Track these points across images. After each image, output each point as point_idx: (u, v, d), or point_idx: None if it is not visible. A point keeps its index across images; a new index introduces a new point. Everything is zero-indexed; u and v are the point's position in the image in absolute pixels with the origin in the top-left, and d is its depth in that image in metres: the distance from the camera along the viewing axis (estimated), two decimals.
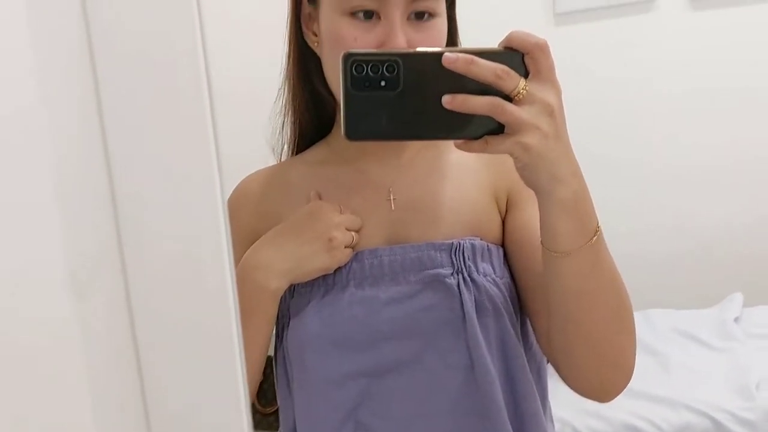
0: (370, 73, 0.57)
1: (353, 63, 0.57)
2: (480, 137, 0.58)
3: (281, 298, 0.78)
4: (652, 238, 2.10)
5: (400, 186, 0.80)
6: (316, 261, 0.75)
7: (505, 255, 0.80)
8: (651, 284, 2.06)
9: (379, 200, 0.80)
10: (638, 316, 1.86)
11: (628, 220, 2.08)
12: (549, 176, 0.59)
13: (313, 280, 0.78)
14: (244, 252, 0.79)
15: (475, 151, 0.59)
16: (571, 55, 2.02)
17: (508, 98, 0.56)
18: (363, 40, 0.71)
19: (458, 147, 0.60)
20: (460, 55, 0.55)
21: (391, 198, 0.80)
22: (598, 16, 2.06)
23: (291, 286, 0.78)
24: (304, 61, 0.81)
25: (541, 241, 0.66)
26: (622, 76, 2.08)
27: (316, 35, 0.78)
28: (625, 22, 2.06)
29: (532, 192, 0.79)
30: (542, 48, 0.57)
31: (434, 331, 0.74)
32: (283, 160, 0.89)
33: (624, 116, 2.09)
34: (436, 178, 0.81)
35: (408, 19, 0.71)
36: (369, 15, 0.71)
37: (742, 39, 2.04)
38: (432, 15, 0.72)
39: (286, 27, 0.82)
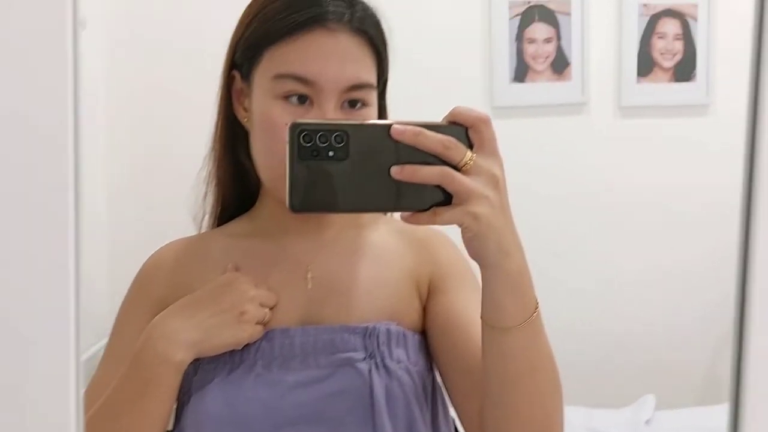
0: (319, 143, 0.56)
1: (301, 132, 0.56)
2: (428, 209, 0.57)
3: (184, 373, 0.74)
4: (571, 340, 2.12)
5: (319, 264, 0.79)
6: (224, 334, 0.72)
7: (427, 341, 0.79)
8: (568, 383, 2.07)
9: (297, 277, 0.78)
10: None
11: (549, 321, 2.11)
12: (497, 247, 0.59)
13: (219, 356, 0.74)
14: (145, 325, 0.75)
15: (423, 223, 0.58)
16: (505, 147, 2.07)
17: (455, 169, 0.57)
18: None
19: (406, 220, 0.58)
20: (408, 126, 0.56)
21: (309, 276, 0.78)
22: (534, 113, 2.14)
23: (195, 361, 0.74)
24: (232, 134, 0.80)
25: (483, 318, 0.64)
26: (552, 170, 2.14)
27: (246, 110, 0.78)
28: (559, 120, 2.15)
29: (457, 276, 0.80)
30: (485, 121, 0.58)
31: (341, 418, 0.72)
32: (203, 230, 0.87)
33: (550, 210, 2.14)
34: (357, 258, 0.80)
35: (341, 107, 0.72)
36: (303, 100, 0.72)
37: (666, 147, 2.14)
38: (364, 104, 0.73)
39: (217, 99, 0.81)
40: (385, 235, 0.83)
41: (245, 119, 0.78)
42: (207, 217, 0.87)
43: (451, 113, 0.59)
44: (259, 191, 0.83)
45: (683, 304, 2.16)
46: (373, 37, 0.75)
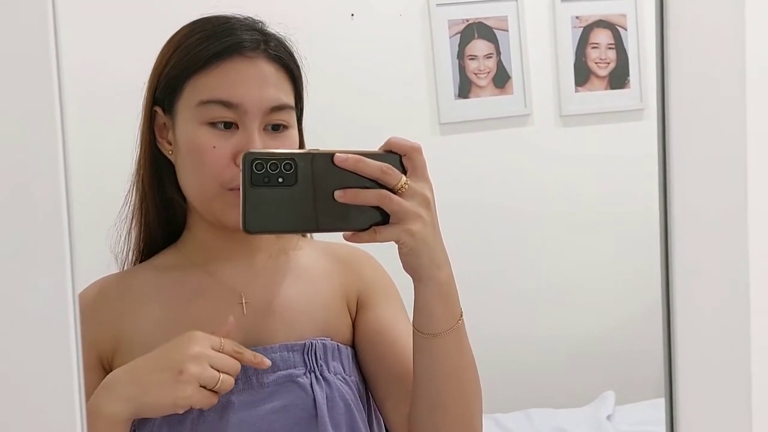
0: (270, 170, 0.62)
1: (253, 161, 0.62)
2: (367, 228, 0.64)
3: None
4: (527, 345, 2.18)
5: (252, 290, 0.81)
6: (161, 392, 0.68)
7: (357, 354, 0.83)
8: (531, 385, 2.13)
9: (230, 304, 0.80)
10: (520, 416, 1.90)
11: (504, 328, 2.17)
12: (429, 261, 0.66)
13: None
14: (86, 371, 0.75)
15: (364, 242, 0.64)
16: (454, 162, 2.14)
17: (391, 192, 0.64)
18: (222, 148, 0.75)
19: (348, 239, 0.65)
20: (350, 155, 0.63)
21: (243, 302, 0.80)
22: (480, 127, 2.20)
23: None
24: (156, 168, 0.82)
25: (415, 326, 0.70)
26: (500, 182, 2.21)
27: (170, 143, 0.80)
28: (504, 133, 2.22)
29: (383, 292, 0.86)
30: (417, 150, 0.66)
31: (288, 431, 0.74)
32: (127, 267, 0.87)
33: (501, 220, 2.21)
34: (288, 281, 0.83)
35: (264, 129, 0.76)
36: (228, 125, 0.76)
37: (606, 152, 2.23)
38: (286, 127, 0.78)
39: (138, 135, 0.83)
40: (312, 256, 0.86)
41: (170, 152, 0.81)
42: (131, 253, 0.86)
43: (386, 143, 0.66)
44: (184, 223, 0.85)
45: (633, 300, 2.24)
46: (288, 63, 0.80)
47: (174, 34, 0.81)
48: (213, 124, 0.75)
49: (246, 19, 0.80)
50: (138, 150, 0.84)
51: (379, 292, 0.85)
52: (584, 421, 1.85)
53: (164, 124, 0.81)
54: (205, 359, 0.68)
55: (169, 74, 0.78)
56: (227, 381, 0.69)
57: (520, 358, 2.16)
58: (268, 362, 0.73)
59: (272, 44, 0.79)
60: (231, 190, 0.75)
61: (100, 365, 0.79)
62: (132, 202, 0.85)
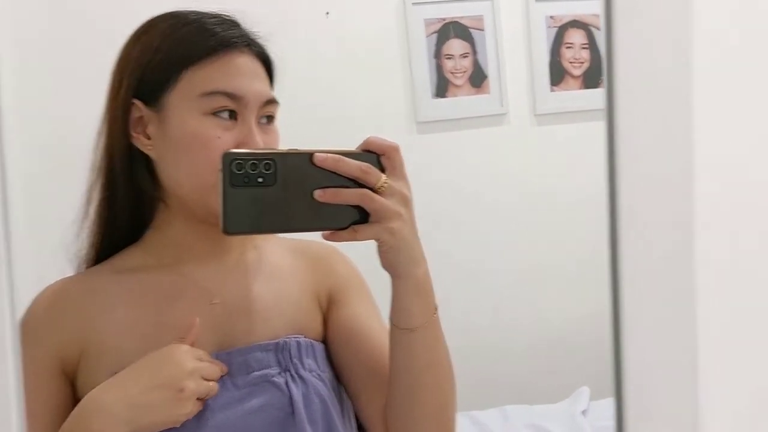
0: (249, 171, 0.62)
1: (233, 161, 0.62)
2: (346, 227, 0.64)
3: None
4: (504, 341, 2.20)
5: (223, 289, 0.80)
6: (162, 412, 0.68)
7: (329, 349, 0.83)
8: (506, 382, 2.15)
9: (202, 305, 0.78)
10: (495, 413, 1.91)
11: (481, 326, 2.18)
12: (408, 257, 0.67)
13: None
14: (49, 378, 0.74)
15: (344, 240, 0.65)
16: (431, 160, 2.15)
17: (371, 191, 0.64)
18: (225, 138, 0.74)
19: (327, 238, 0.65)
20: (329, 154, 0.63)
21: (215, 302, 0.79)
22: (457, 126, 2.22)
23: None
24: (130, 163, 0.79)
25: (392, 321, 0.72)
26: (477, 179, 2.23)
27: (149, 137, 0.78)
28: (480, 132, 2.23)
29: (355, 289, 0.87)
30: (396, 149, 0.67)
31: (265, 431, 0.74)
32: (81, 268, 0.84)
33: (478, 217, 2.22)
34: (259, 280, 0.82)
35: (257, 123, 0.77)
36: (231, 115, 0.76)
37: (578, 151, 2.25)
38: (272, 118, 0.79)
39: (105, 128, 0.80)
40: (281, 254, 0.86)
41: (148, 146, 0.77)
42: (88, 253, 0.83)
43: (365, 142, 0.66)
44: (151, 220, 0.81)
45: (608, 298, 2.26)
46: (269, 62, 0.82)
47: (150, 26, 0.78)
48: (216, 115, 0.75)
49: (227, 16, 0.81)
50: (103, 145, 0.80)
51: (351, 289, 0.85)
52: (559, 416, 1.87)
53: (141, 117, 0.77)
54: (198, 372, 0.70)
55: (160, 65, 0.76)
56: (214, 388, 0.72)
57: (495, 355, 2.18)
58: (224, 368, 0.74)
59: (256, 42, 0.81)
60: None
61: (62, 372, 0.76)
62: (96, 200, 0.81)
